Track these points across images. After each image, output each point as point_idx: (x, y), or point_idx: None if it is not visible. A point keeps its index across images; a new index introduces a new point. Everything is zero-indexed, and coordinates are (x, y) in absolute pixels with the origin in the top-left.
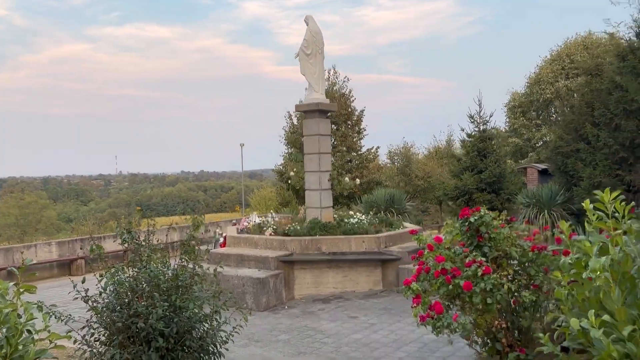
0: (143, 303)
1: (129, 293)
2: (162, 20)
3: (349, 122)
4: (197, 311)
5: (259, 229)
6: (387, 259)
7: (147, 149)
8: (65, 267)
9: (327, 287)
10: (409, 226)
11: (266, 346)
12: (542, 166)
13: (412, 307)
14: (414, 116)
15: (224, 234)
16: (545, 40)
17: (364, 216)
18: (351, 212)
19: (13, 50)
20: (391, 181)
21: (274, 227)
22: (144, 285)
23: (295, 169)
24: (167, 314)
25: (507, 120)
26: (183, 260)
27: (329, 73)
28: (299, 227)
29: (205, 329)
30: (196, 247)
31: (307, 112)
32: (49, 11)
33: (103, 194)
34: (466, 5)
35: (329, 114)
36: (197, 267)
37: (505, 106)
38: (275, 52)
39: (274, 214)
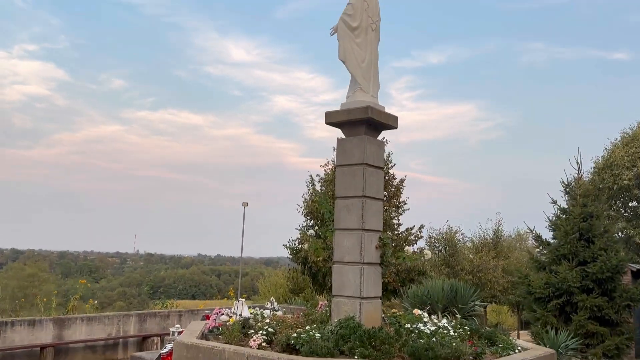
0: None
1: None
2: (195, 108)
3: (386, 193)
4: None
5: (240, 331)
6: None
7: (166, 230)
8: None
9: None
10: (529, 347)
11: None
12: (637, 266)
13: None
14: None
15: (175, 337)
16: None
17: (444, 320)
18: (417, 311)
19: (51, 128)
20: (435, 272)
21: (269, 329)
22: None
23: (315, 229)
24: None
25: None
26: None
27: None
28: (317, 335)
29: None
30: None
31: (346, 123)
32: (91, 93)
33: (117, 271)
34: (487, 110)
35: (382, 133)
36: None
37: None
38: (300, 145)
39: (274, 302)
